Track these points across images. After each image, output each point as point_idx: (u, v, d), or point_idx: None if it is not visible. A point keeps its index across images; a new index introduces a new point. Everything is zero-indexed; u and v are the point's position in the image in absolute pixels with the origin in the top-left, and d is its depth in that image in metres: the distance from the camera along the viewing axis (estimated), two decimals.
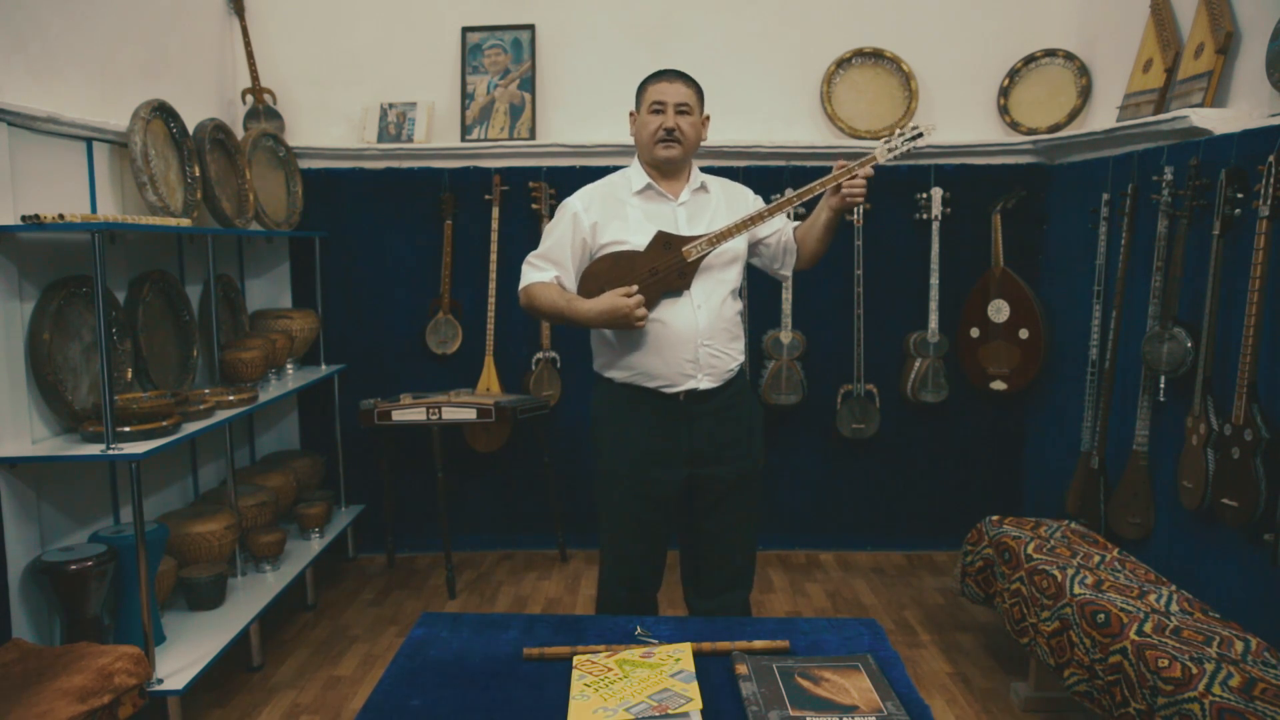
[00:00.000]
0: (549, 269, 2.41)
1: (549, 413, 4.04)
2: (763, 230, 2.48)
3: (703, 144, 2.44)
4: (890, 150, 2.33)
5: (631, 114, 2.45)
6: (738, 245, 2.41)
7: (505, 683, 1.69)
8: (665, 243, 2.31)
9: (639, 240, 2.33)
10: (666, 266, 2.31)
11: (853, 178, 2.27)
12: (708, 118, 2.48)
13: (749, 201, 2.50)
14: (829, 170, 2.34)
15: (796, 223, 2.53)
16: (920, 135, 2.33)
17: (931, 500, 4.23)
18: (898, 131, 2.36)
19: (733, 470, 2.42)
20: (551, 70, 4.06)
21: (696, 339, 2.34)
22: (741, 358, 2.47)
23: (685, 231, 2.37)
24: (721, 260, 2.38)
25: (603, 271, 2.35)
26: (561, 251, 2.40)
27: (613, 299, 2.28)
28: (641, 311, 2.27)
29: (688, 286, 2.33)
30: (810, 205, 2.46)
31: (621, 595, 2.49)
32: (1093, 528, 3.32)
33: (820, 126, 4.06)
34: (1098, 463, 3.37)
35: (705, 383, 2.36)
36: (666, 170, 2.42)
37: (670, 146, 2.36)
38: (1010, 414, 4.17)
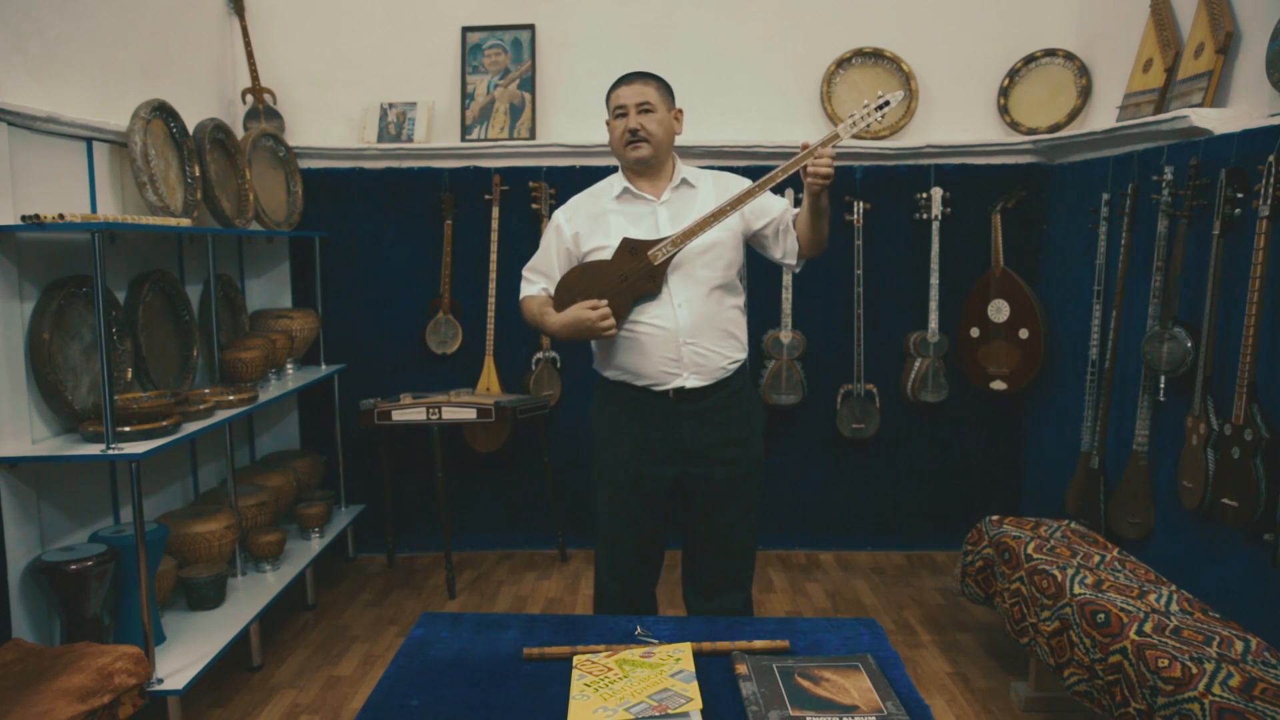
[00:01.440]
0: (538, 281, 2.48)
1: (549, 413, 4.04)
2: (756, 220, 2.43)
3: (703, 144, 2.44)
4: (853, 124, 2.26)
5: (607, 123, 2.46)
6: (723, 238, 2.36)
7: (505, 683, 1.69)
8: (631, 249, 2.31)
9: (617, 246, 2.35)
10: (634, 272, 2.30)
11: (818, 158, 2.20)
12: (680, 111, 2.47)
13: (738, 191, 2.44)
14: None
15: (797, 210, 2.46)
16: (886, 104, 2.27)
17: (931, 500, 4.23)
18: (864, 102, 2.32)
19: (728, 471, 2.41)
20: (551, 70, 4.06)
21: (679, 338, 2.33)
22: (739, 355, 2.42)
23: (668, 229, 2.36)
24: (705, 256, 2.34)
25: (573, 283, 2.37)
26: (548, 264, 2.46)
27: (577, 312, 2.30)
28: (607, 324, 2.28)
29: (659, 290, 2.32)
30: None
31: (616, 590, 2.50)
32: (1093, 528, 3.32)
33: (820, 126, 4.06)
34: (1098, 463, 3.37)
35: (693, 381, 2.35)
36: (643, 170, 2.42)
37: (638, 147, 2.37)
38: (1010, 414, 4.17)
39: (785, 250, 2.46)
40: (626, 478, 2.43)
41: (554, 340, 4.09)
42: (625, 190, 2.42)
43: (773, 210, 2.44)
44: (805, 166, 2.22)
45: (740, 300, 2.45)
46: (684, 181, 2.44)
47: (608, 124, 2.45)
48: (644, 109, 2.37)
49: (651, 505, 2.44)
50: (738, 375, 2.44)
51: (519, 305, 2.52)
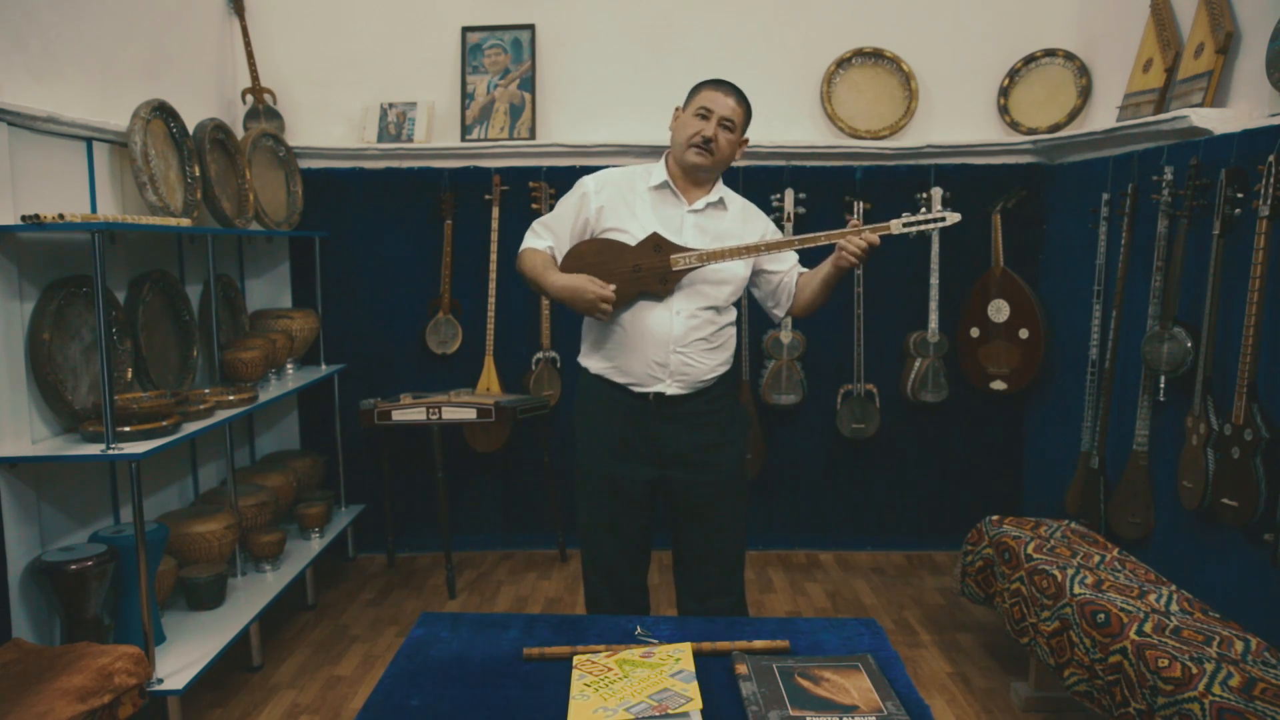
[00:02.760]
0: (546, 237, 2.45)
1: (549, 412, 4.04)
2: (769, 264, 2.45)
3: None
4: (907, 226, 2.30)
5: (677, 110, 2.42)
6: (735, 269, 2.38)
7: (505, 683, 1.69)
8: (656, 245, 2.31)
9: (638, 233, 2.33)
10: (650, 268, 2.30)
11: (860, 238, 2.23)
12: (746, 140, 2.46)
13: (763, 231, 2.47)
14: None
15: (805, 269, 2.49)
16: (943, 220, 2.32)
17: (931, 500, 4.23)
18: (923, 210, 2.35)
19: (709, 475, 2.41)
20: (551, 70, 4.06)
21: (669, 344, 2.33)
22: (722, 369, 2.43)
23: (689, 239, 2.35)
24: (715, 278, 2.35)
25: (588, 253, 2.35)
26: (562, 225, 2.43)
27: (582, 280, 2.29)
28: (605, 305, 2.27)
29: (668, 294, 2.31)
30: (822, 253, 2.42)
31: (602, 589, 2.51)
32: (1093, 528, 3.32)
33: (820, 126, 4.06)
34: (1098, 463, 3.37)
35: (673, 388, 2.35)
36: (690, 175, 2.40)
37: (703, 154, 2.34)
38: (1010, 414, 4.17)
39: (778, 303, 2.51)
40: (605, 477, 2.43)
41: (553, 340, 4.09)
42: (665, 184, 2.40)
43: (785, 261, 2.48)
44: (845, 241, 2.25)
45: (731, 318, 2.46)
46: (721, 200, 2.44)
47: (678, 111, 2.41)
48: (726, 124, 2.34)
49: (630, 505, 2.44)
50: (720, 383, 2.44)
51: (518, 254, 2.48)
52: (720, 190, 2.45)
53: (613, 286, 2.28)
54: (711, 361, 2.39)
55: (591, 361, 2.45)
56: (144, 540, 2.55)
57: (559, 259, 2.41)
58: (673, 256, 2.29)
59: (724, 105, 2.33)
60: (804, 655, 1.76)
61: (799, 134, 4.05)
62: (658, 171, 2.42)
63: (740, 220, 2.44)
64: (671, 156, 2.42)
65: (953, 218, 2.33)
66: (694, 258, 2.29)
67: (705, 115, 2.33)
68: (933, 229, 2.31)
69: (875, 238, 2.24)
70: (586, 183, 2.43)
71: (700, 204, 2.40)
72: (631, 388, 2.37)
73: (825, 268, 2.35)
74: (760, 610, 3.54)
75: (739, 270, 2.39)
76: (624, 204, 2.38)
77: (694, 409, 2.39)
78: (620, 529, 2.46)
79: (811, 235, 2.31)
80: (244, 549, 3.34)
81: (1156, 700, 2.08)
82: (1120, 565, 2.74)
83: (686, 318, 2.33)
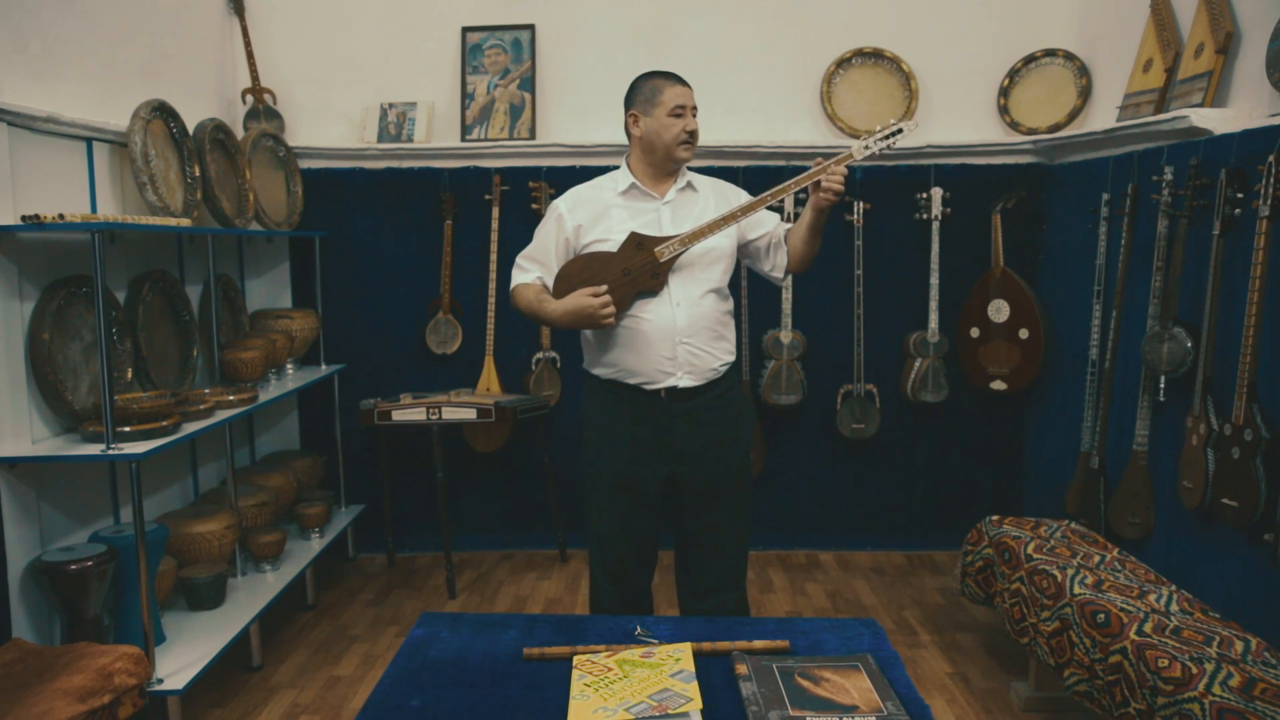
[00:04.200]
0: (533, 269, 2.47)
1: (549, 413, 4.04)
2: (751, 231, 2.48)
3: (703, 144, 2.48)
4: (867, 147, 2.34)
5: (633, 114, 2.43)
6: (722, 244, 2.41)
7: (505, 683, 1.69)
8: (638, 243, 2.33)
9: (620, 239, 2.35)
10: (638, 267, 2.32)
11: (829, 175, 2.27)
12: None
13: (738, 200, 2.48)
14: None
15: (789, 224, 2.52)
16: (899, 132, 2.35)
17: (931, 500, 4.23)
18: (878, 127, 2.37)
19: (717, 470, 2.43)
20: (551, 70, 4.06)
21: (675, 336, 2.34)
22: (729, 357, 2.45)
23: (669, 229, 2.38)
24: (705, 259, 2.38)
25: (574, 273, 2.37)
26: (545, 252, 2.45)
27: (578, 299, 2.31)
28: (608, 311, 2.29)
29: (662, 287, 2.34)
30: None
31: (609, 590, 2.51)
32: (1093, 528, 3.32)
33: (820, 126, 4.06)
34: (1098, 463, 3.37)
35: (686, 380, 2.37)
36: (664, 170, 2.43)
37: (691, 148, 2.41)
38: (1010, 414, 4.17)
39: (774, 264, 2.51)
40: (618, 477, 2.44)
41: (554, 340, 4.09)
42: (633, 186, 2.44)
43: (767, 223, 2.50)
44: (819, 181, 2.28)
45: (730, 305, 2.48)
46: (689, 184, 2.47)
47: (637, 116, 2.42)
48: (694, 112, 2.42)
49: (643, 504, 2.45)
50: (727, 376, 2.46)
51: (510, 293, 2.51)
52: (686, 175, 2.48)
53: (605, 288, 2.30)
54: (717, 349, 2.41)
55: (599, 368, 2.46)
56: (144, 540, 2.55)
57: (550, 286, 2.43)
58: (656, 250, 2.32)
59: (689, 96, 2.41)
60: (804, 655, 1.76)
61: (799, 134, 4.05)
62: (622, 176, 2.46)
63: (715, 198, 2.47)
64: (642, 159, 2.45)
65: (908, 126, 2.35)
66: (676, 243, 2.32)
67: (682, 113, 2.39)
68: (891, 143, 2.34)
69: (843, 169, 2.28)
70: (559, 205, 2.46)
71: (671, 194, 2.44)
72: (644, 386, 2.38)
73: (807, 215, 2.37)
74: (760, 610, 3.54)
75: (725, 245, 2.42)
76: (600, 217, 2.42)
77: (704, 403, 2.40)
78: (632, 528, 2.47)
79: (781, 186, 2.33)
80: (244, 549, 3.34)
81: (1156, 700, 2.08)
82: (1120, 565, 2.74)
83: (688, 307, 2.35)
